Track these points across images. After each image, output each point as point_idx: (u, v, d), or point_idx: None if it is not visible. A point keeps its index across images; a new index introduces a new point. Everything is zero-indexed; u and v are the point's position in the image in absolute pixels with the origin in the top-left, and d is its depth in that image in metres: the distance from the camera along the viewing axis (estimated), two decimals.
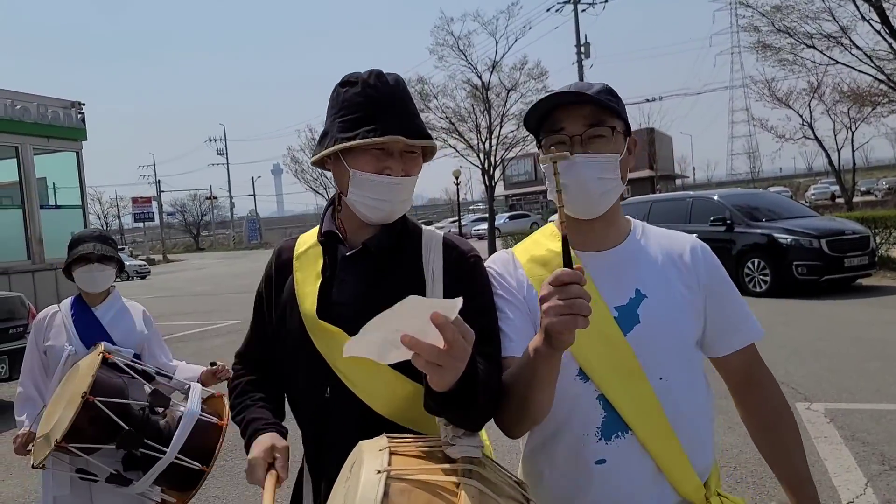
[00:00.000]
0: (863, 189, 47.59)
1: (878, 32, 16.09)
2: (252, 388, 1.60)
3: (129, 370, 2.53)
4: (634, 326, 1.37)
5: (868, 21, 16.16)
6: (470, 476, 1.10)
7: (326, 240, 1.52)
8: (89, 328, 2.81)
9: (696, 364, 1.45)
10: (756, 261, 11.44)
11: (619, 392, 1.36)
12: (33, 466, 2.42)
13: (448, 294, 1.38)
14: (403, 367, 1.19)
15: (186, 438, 2.38)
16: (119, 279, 3.01)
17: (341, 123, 1.44)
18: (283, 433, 1.48)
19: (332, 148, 1.43)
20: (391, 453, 1.11)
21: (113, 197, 71.49)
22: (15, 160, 11.59)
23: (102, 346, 2.53)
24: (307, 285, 1.49)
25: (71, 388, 2.42)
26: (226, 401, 2.58)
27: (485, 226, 30.04)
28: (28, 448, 2.70)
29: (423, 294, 1.41)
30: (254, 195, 76.13)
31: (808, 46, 17.40)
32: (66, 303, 2.92)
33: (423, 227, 1.58)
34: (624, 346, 1.36)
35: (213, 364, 2.87)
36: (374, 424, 1.33)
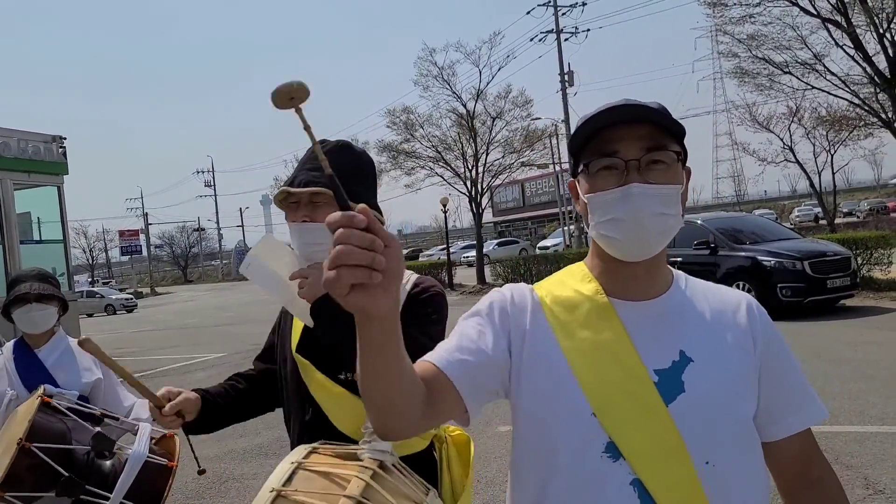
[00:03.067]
0: (845, 210, 48.13)
1: (852, 58, 16.41)
2: (234, 378, 1.91)
3: (72, 413, 2.46)
4: (678, 396, 1.12)
5: (842, 47, 16.49)
6: (365, 471, 1.30)
7: None
8: (31, 371, 2.72)
9: (751, 447, 1.18)
10: (740, 283, 11.47)
11: (658, 477, 1.08)
12: None
13: (405, 321, 1.37)
14: None
15: (133, 482, 2.30)
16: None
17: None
18: (209, 402, 1.78)
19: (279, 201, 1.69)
20: (312, 451, 1.35)
21: (99, 230, 70.76)
22: None
23: (42, 389, 2.46)
24: (298, 323, 1.72)
25: (8, 434, 2.36)
26: (178, 440, 2.55)
27: (473, 252, 30.08)
28: None
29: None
30: (242, 226, 75.94)
31: (785, 72, 17.72)
32: (9, 345, 2.83)
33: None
34: (665, 419, 1.10)
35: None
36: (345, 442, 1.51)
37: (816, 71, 17.15)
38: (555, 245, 35.45)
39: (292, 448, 1.68)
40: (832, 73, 17.00)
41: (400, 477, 1.37)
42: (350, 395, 1.57)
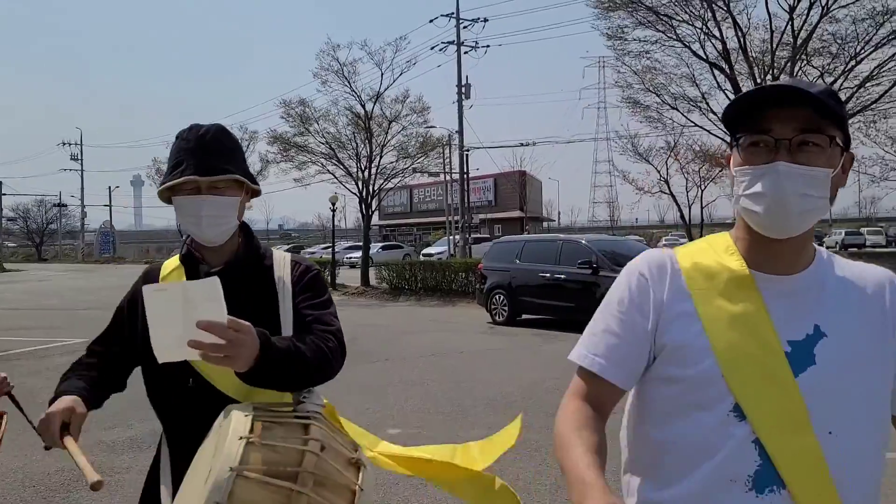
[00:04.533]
0: None
1: None
2: (82, 368, 1.79)
3: None
4: (808, 368, 1.16)
5: (724, 91, 17.84)
6: (315, 419, 1.45)
7: (185, 261, 1.82)
8: None
9: (877, 423, 1.21)
10: None
11: (778, 441, 1.14)
12: None
13: (295, 300, 1.74)
14: None
15: None
16: None
17: (168, 169, 1.77)
18: (89, 403, 1.65)
19: (159, 188, 1.76)
20: (254, 408, 1.41)
21: None
22: None
23: None
24: None
25: None
26: (5, 420, 2.36)
27: (358, 254, 29.83)
28: None
29: (276, 304, 1.73)
30: (110, 206, 70.98)
31: (672, 108, 18.94)
32: None
33: (273, 249, 1.90)
34: (792, 389, 1.15)
35: None
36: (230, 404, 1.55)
37: (700, 109, 18.48)
38: (439, 253, 35.77)
39: (165, 416, 1.77)
40: (714, 113, 18.36)
41: (336, 427, 1.54)
42: None
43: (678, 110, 18.91)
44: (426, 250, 39.99)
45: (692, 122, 19.20)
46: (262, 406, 1.46)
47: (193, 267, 1.80)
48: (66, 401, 1.59)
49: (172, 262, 1.85)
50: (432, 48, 32.80)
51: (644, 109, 19.63)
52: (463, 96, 33.15)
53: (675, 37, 17.52)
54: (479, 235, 41.90)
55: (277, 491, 1.27)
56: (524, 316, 14.22)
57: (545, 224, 63.96)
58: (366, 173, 25.30)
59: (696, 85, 18.16)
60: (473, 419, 6.42)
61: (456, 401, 7.14)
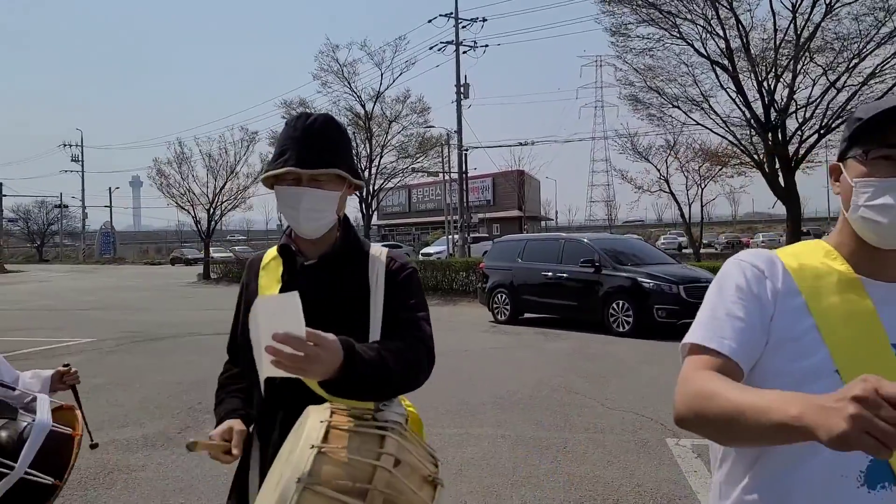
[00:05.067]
0: (705, 242, 51.91)
1: (734, 101, 17.88)
2: (230, 382, 1.88)
3: None
4: None
5: (726, 90, 17.91)
6: (392, 430, 1.38)
7: (282, 252, 1.81)
8: None
9: None
10: (620, 302, 12.14)
11: None
12: None
13: (387, 297, 1.71)
14: None
15: (37, 452, 2.20)
16: None
17: (273, 156, 1.74)
18: (248, 421, 1.73)
19: (262, 176, 1.76)
20: (332, 413, 1.38)
21: None
22: None
23: None
24: (269, 288, 1.77)
25: None
26: (78, 413, 2.48)
27: None
28: None
29: (368, 301, 1.70)
30: (110, 207, 71.07)
31: (674, 106, 18.97)
32: None
33: (372, 244, 1.85)
34: None
35: (66, 365, 2.68)
36: (317, 402, 1.54)
37: (702, 109, 18.53)
38: (437, 252, 35.78)
39: (259, 409, 1.77)
40: (715, 113, 18.43)
41: (416, 439, 1.45)
42: None
43: (680, 108, 18.96)
44: (425, 250, 40.02)
45: (694, 120, 19.26)
46: (341, 410, 1.41)
47: (290, 258, 1.79)
48: (225, 424, 1.69)
49: (272, 252, 1.86)
50: (431, 48, 32.87)
51: (646, 107, 19.69)
52: (462, 96, 33.22)
53: (678, 34, 17.55)
54: (478, 235, 41.94)
55: None
56: (526, 315, 14.30)
57: (543, 223, 64.03)
58: (366, 173, 25.36)
59: (697, 84, 18.21)
60: (482, 417, 6.49)
61: (463, 399, 7.20)
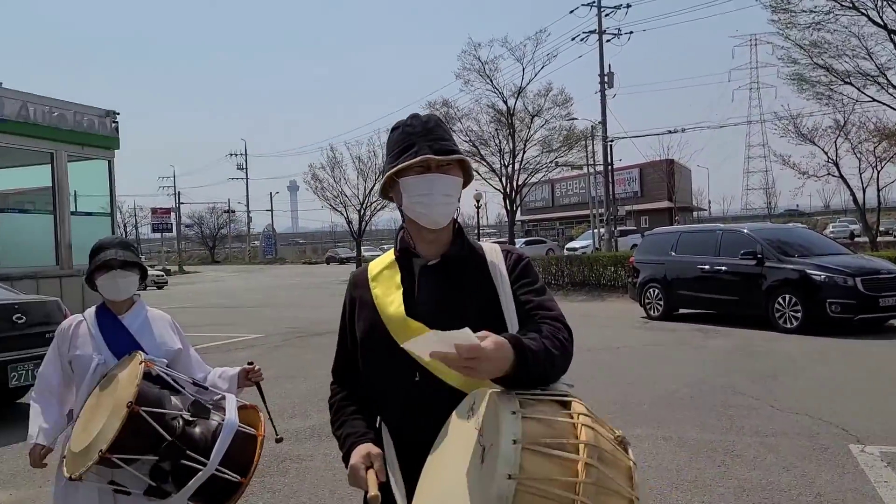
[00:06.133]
0: (882, 229, 47.20)
1: None
2: (347, 403, 1.86)
3: (166, 380, 2.50)
4: None
5: None
6: (573, 397, 1.39)
7: (402, 255, 1.81)
8: (118, 337, 2.70)
9: None
10: (787, 297, 11.29)
11: None
12: (70, 479, 2.37)
13: (515, 288, 1.74)
14: None
15: (225, 450, 2.36)
16: (142, 287, 2.93)
17: (390, 158, 1.78)
18: (377, 442, 1.72)
19: (386, 175, 1.78)
20: (520, 403, 1.30)
21: (131, 206, 71.62)
22: (49, 166, 11.65)
23: (140, 355, 2.49)
24: (388, 295, 1.77)
25: (109, 398, 2.38)
26: (261, 414, 2.63)
27: None
28: (44, 462, 2.63)
29: (496, 294, 1.72)
30: (271, 210, 76.49)
31: (846, 82, 17.36)
32: (91, 312, 2.79)
33: (482, 242, 1.91)
34: None
35: (250, 363, 2.83)
36: (460, 397, 1.57)
37: (878, 83, 16.82)
38: (583, 247, 35.13)
39: (392, 412, 1.75)
40: (893, 87, 16.65)
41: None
42: None
43: (853, 84, 17.29)
44: (570, 244, 39.40)
45: (868, 96, 17.49)
46: (523, 395, 1.40)
47: (408, 261, 1.80)
48: (361, 450, 1.68)
49: (381, 262, 1.86)
50: (573, 39, 32.27)
51: (812, 86, 18.14)
52: (605, 85, 32.37)
53: (850, 4, 16.03)
54: (625, 228, 40.73)
55: (564, 465, 1.20)
56: (681, 310, 13.68)
57: (695, 214, 61.00)
58: (509, 169, 25.39)
59: (871, 57, 16.54)
60: (641, 417, 6.26)
61: (620, 398, 6.99)
